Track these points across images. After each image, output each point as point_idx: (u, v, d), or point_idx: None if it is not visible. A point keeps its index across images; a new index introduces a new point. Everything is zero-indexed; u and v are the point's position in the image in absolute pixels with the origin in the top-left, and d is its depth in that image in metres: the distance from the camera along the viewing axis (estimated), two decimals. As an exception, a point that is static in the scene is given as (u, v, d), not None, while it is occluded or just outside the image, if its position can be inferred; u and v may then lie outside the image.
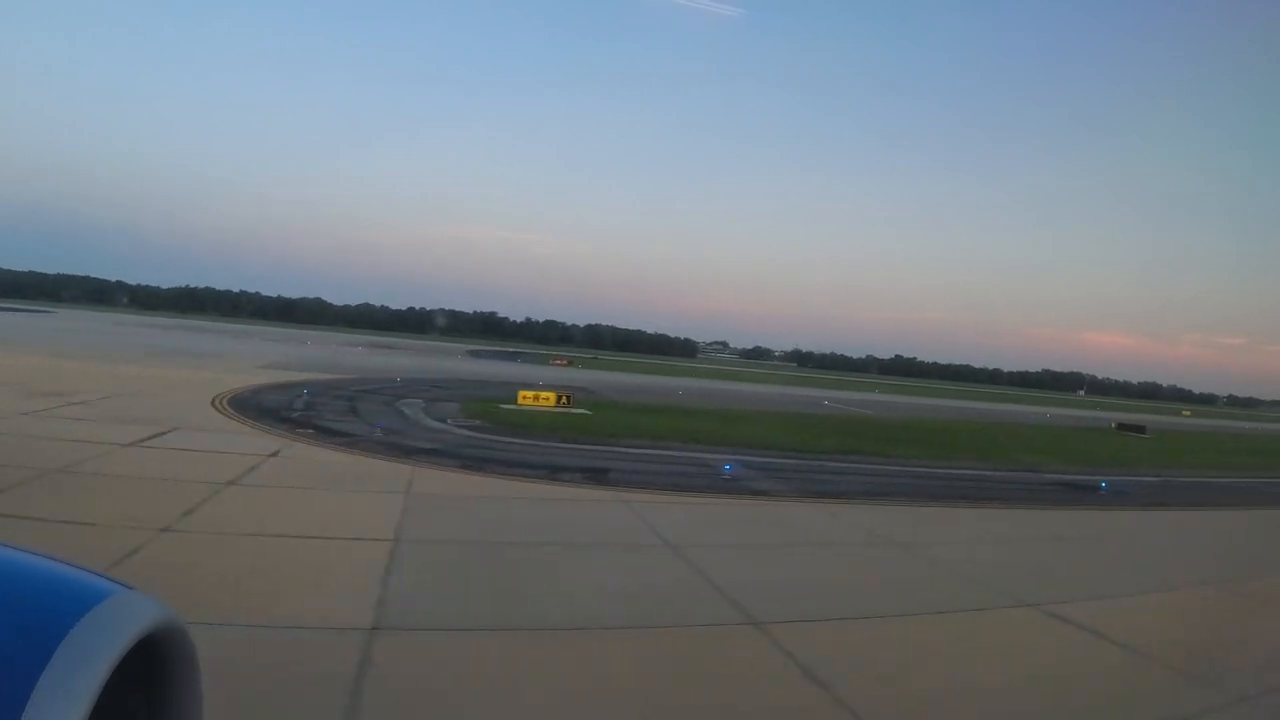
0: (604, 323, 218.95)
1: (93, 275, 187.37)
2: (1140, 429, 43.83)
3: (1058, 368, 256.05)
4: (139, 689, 0.91)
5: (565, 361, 76.16)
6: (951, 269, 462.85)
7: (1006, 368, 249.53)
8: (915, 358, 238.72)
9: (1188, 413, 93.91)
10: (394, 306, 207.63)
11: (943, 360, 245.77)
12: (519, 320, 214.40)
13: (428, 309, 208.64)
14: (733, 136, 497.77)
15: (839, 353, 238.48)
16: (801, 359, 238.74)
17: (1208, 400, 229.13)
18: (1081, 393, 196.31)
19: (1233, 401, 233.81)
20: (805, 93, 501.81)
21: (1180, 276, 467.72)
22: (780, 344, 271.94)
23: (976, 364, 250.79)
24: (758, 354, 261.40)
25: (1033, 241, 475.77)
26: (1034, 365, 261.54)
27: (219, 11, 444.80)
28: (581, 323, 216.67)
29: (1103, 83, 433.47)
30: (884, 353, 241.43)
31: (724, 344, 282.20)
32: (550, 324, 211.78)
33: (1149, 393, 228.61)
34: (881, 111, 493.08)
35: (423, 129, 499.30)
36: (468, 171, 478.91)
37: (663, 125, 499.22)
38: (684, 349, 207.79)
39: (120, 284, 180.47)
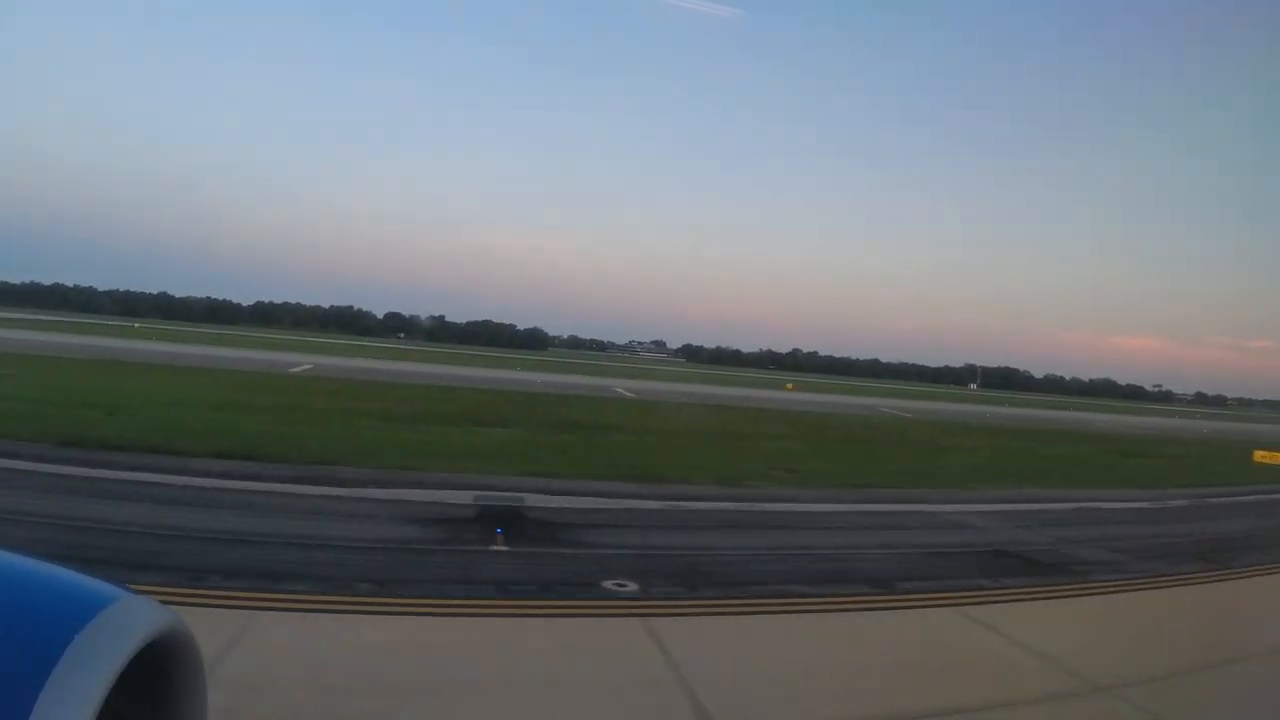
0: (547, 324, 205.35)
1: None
2: None
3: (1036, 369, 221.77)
4: (144, 695, 0.90)
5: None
6: (947, 268, 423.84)
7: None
8: (816, 352, 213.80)
9: (790, 386, 70.25)
10: (240, 301, 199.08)
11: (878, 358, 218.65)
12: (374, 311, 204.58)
13: (274, 302, 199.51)
14: (705, 135, 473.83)
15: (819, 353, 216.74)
16: (692, 354, 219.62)
17: (1164, 397, 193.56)
18: (974, 386, 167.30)
19: (1200, 399, 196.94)
20: (794, 92, 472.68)
21: (1163, 275, 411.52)
22: (745, 345, 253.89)
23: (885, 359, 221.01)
24: (686, 352, 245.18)
25: (1010, 240, 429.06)
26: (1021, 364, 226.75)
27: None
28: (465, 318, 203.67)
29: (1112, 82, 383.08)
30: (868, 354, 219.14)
31: (661, 342, 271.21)
32: (393, 314, 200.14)
33: (1093, 390, 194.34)
34: (873, 112, 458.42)
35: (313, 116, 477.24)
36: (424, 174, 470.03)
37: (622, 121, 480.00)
38: (529, 341, 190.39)
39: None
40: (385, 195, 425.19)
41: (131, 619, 0.84)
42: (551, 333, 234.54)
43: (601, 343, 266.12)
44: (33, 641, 0.75)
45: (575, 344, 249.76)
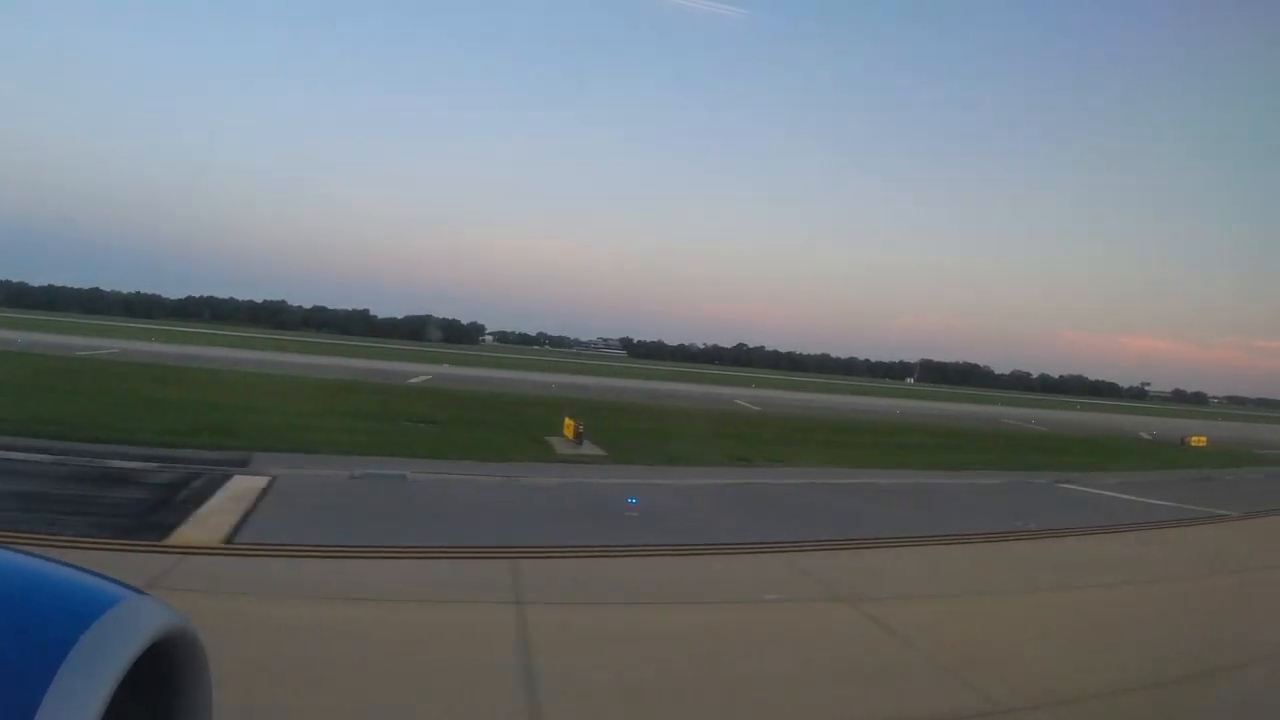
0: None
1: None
2: None
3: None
4: (149, 695, 0.89)
5: None
6: (941, 269, 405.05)
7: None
8: (763, 347, 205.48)
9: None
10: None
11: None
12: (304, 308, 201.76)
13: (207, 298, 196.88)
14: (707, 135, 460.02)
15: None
16: (632, 348, 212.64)
17: (1138, 394, 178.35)
18: (910, 380, 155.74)
19: (1178, 396, 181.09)
20: (787, 93, 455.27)
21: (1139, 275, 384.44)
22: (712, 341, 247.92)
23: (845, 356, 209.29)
24: (628, 348, 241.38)
25: (1006, 238, 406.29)
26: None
27: None
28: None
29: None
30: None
31: (628, 339, 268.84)
32: (319, 308, 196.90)
33: (1058, 386, 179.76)
34: (870, 117, 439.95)
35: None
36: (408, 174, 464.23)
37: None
38: (462, 335, 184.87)
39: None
40: (379, 196, 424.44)
41: (137, 618, 0.82)
42: (522, 330, 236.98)
43: (569, 340, 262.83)
44: (38, 640, 0.73)
45: (539, 340, 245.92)
